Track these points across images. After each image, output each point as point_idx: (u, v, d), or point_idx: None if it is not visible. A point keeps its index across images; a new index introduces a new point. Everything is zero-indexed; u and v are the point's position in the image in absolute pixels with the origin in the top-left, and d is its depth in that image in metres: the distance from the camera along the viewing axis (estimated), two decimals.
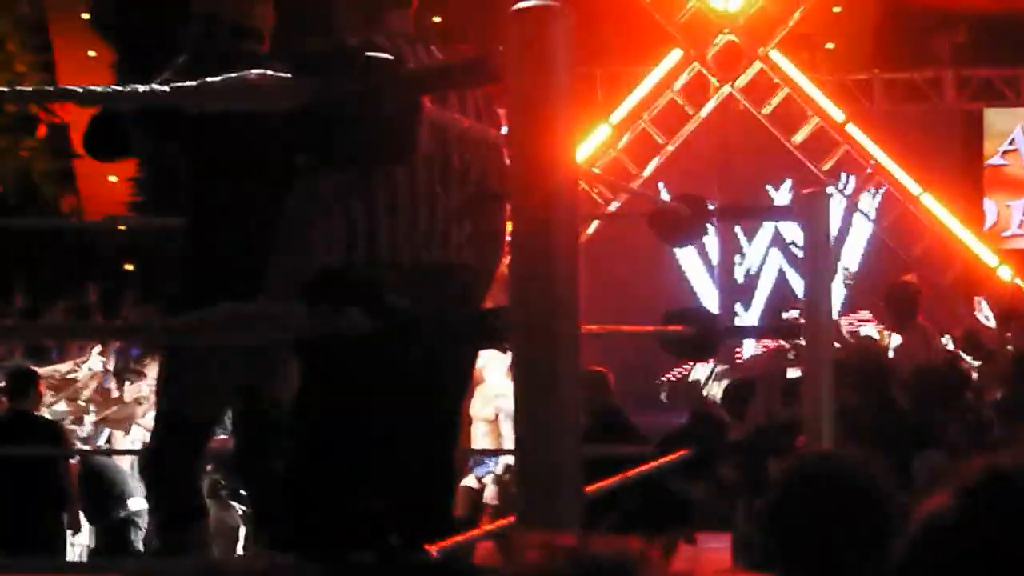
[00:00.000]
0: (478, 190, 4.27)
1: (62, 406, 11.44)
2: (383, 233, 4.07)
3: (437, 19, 18.40)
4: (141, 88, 2.51)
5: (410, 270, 4.08)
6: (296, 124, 2.69)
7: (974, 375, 9.55)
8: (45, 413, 10.69)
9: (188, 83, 2.50)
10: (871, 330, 10.83)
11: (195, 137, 5.01)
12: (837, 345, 9.27)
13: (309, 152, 3.43)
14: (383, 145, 2.61)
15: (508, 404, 9.33)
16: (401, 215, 4.09)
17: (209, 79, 2.49)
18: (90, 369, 11.91)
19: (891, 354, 9.44)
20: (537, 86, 2.42)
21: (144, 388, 12.39)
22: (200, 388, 5.10)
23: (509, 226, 4.41)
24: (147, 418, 12.05)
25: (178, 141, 5.17)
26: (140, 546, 10.30)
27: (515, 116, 2.42)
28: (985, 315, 12.08)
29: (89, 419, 11.65)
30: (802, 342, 5.00)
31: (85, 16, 21.94)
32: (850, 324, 11.65)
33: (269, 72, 2.57)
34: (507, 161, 4.26)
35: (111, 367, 12.72)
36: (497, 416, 10.34)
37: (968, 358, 10.04)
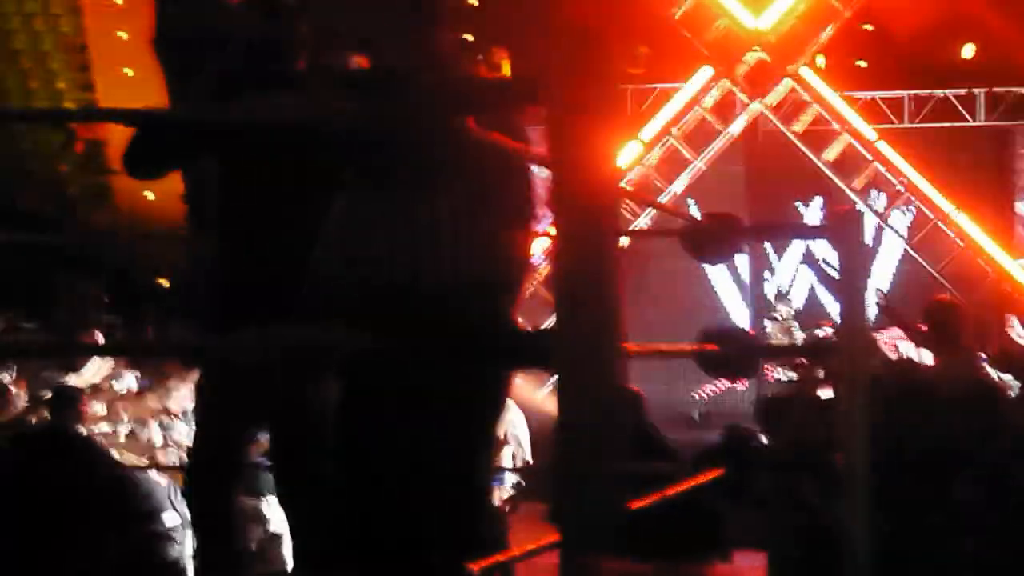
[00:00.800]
0: (511, 209, 4.28)
1: (100, 410, 11.51)
2: (423, 252, 4.07)
3: (469, 37, 18.43)
4: (187, 108, 2.52)
5: (450, 288, 4.08)
6: (340, 141, 2.69)
7: (1011, 393, 9.49)
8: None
9: (239, 102, 2.50)
10: (909, 348, 10.78)
11: (227, 151, 5.02)
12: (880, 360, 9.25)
13: (353, 169, 3.44)
14: (426, 163, 2.62)
15: (511, 417, 9.32)
16: (440, 233, 4.10)
17: (256, 97, 2.50)
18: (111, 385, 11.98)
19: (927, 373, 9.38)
20: (579, 110, 2.42)
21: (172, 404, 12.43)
22: (233, 405, 5.12)
23: (535, 246, 4.44)
24: (178, 434, 12.09)
25: (211, 154, 5.19)
26: (175, 560, 10.29)
27: (556, 139, 2.42)
28: (1017, 332, 12.04)
29: (123, 429, 11.70)
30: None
31: (121, 34, 22.04)
32: (886, 343, 11.61)
33: (312, 91, 2.58)
34: (539, 180, 4.28)
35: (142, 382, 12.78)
36: (506, 433, 10.29)
37: (1002, 376, 9.99)
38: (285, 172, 5.02)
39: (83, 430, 10.76)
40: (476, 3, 18.06)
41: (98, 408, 11.70)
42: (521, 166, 4.24)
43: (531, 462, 12.32)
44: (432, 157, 2.60)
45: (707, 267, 18.87)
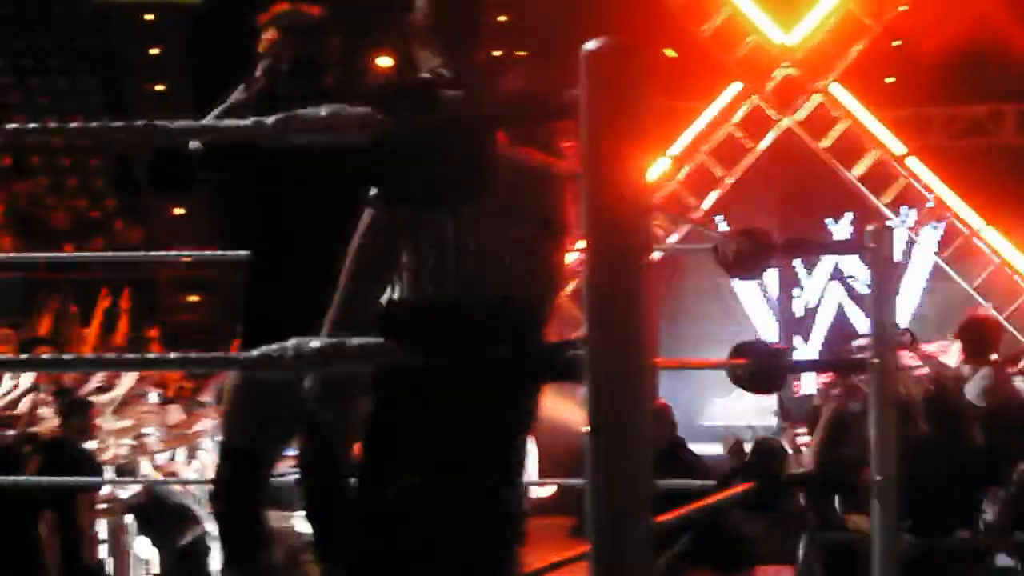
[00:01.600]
0: (541, 223, 4.28)
1: (126, 422, 11.58)
2: (450, 267, 4.08)
3: (497, 52, 18.47)
4: (220, 123, 2.53)
5: (478, 303, 4.08)
6: (368, 159, 2.70)
7: None
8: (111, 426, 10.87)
9: (265, 118, 2.51)
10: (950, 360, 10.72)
11: (259, 169, 5.04)
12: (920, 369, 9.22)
13: (381, 187, 3.45)
14: (457, 181, 2.62)
15: None
16: (468, 248, 4.10)
17: (289, 113, 2.51)
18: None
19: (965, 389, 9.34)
20: (611, 125, 2.43)
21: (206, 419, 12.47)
22: (259, 420, 5.13)
23: (567, 259, 4.44)
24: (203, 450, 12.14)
25: (241, 173, 5.20)
26: (209, 570, 10.33)
27: (588, 153, 2.43)
28: None
29: (151, 441, 11.75)
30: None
31: (154, 51, 22.15)
32: (913, 357, 11.56)
33: (344, 107, 2.59)
34: (570, 195, 4.28)
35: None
36: None
37: None
38: (315, 188, 5.04)
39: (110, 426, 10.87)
40: (506, 19, 18.10)
41: (124, 423, 11.76)
42: (553, 179, 4.24)
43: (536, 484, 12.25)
44: (462, 171, 2.61)
45: (736, 283, 18.86)
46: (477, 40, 4.35)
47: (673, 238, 17.75)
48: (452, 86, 4.04)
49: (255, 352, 2.47)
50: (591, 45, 2.41)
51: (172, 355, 2.50)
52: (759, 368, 4.70)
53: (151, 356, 2.64)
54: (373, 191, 3.86)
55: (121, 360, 2.42)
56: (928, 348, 10.85)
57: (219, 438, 5.45)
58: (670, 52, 18.54)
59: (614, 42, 2.42)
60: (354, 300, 3.97)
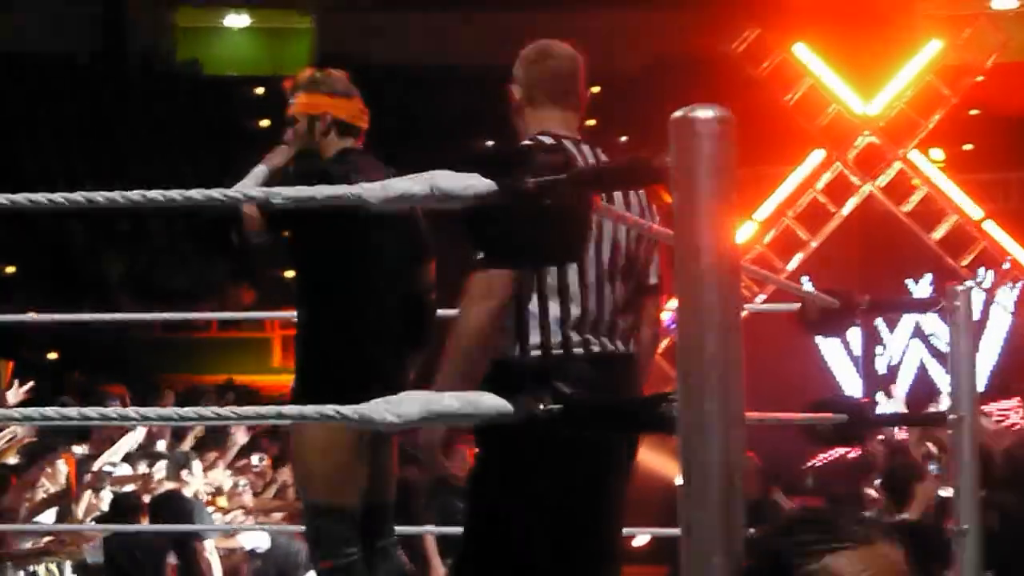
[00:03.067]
0: (639, 282, 4.28)
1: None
2: (554, 323, 4.06)
3: (592, 122, 18.47)
4: (314, 190, 2.52)
5: (581, 359, 4.07)
6: (469, 222, 2.70)
7: None
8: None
9: (364, 184, 2.50)
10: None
11: (311, 229, 5.01)
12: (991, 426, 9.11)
13: (482, 249, 3.45)
14: (556, 243, 2.62)
15: None
16: (571, 305, 4.09)
17: (390, 181, 2.51)
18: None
19: None
20: (701, 190, 2.42)
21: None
22: (340, 474, 5.07)
23: (664, 315, 4.43)
24: None
25: (292, 233, 5.18)
26: None
27: (680, 217, 2.42)
28: None
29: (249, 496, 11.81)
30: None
31: (264, 123, 22.39)
32: (999, 412, 11.42)
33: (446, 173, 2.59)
34: (666, 255, 4.27)
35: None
36: None
37: None
38: (366, 244, 5.02)
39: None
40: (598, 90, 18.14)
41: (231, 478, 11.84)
42: (649, 240, 4.24)
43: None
44: (563, 236, 2.60)
45: (820, 340, 18.71)
46: (575, 108, 4.35)
47: (760, 298, 17.64)
48: (552, 152, 4.05)
49: (375, 405, 2.46)
50: (681, 112, 2.41)
51: (281, 408, 2.51)
52: (843, 422, 4.66)
53: (254, 409, 2.64)
54: (479, 253, 3.86)
55: (219, 414, 2.43)
56: (1002, 405, 10.73)
57: (306, 498, 5.31)
58: None
59: (703, 110, 2.41)
60: (468, 361, 3.94)
